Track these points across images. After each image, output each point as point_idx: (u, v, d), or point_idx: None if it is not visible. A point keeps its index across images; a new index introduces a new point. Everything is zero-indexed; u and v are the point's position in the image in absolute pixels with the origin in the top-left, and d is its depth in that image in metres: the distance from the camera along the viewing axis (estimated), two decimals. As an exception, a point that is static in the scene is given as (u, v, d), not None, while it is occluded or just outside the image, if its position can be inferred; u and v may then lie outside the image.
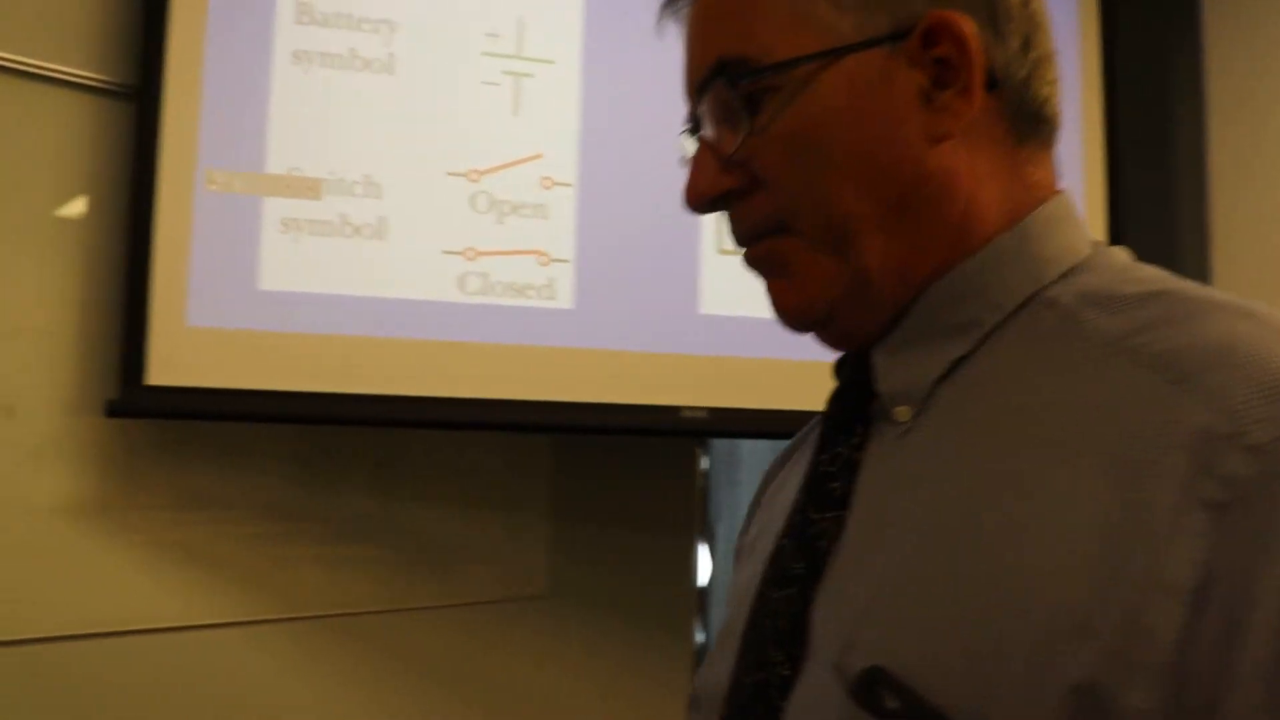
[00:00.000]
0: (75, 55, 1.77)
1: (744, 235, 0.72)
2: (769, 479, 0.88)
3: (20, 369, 1.72)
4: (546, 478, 2.16)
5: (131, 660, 1.78)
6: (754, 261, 0.73)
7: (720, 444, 2.42)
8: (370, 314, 1.79)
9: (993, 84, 0.68)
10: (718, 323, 1.93)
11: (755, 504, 0.89)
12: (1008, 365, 0.65)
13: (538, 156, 1.88)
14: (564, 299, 1.88)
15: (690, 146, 0.74)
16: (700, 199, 0.72)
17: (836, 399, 0.74)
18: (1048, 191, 0.71)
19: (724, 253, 1.94)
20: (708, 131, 0.72)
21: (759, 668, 0.66)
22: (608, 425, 1.90)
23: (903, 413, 0.68)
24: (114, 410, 1.71)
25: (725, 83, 0.69)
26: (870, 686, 0.58)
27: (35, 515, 1.73)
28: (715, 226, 1.93)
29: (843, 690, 0.60)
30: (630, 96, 1.91)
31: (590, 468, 2.19)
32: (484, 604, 2.09)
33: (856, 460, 0.69)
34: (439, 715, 1.95)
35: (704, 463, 2.29)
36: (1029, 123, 0.70)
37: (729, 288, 1.93)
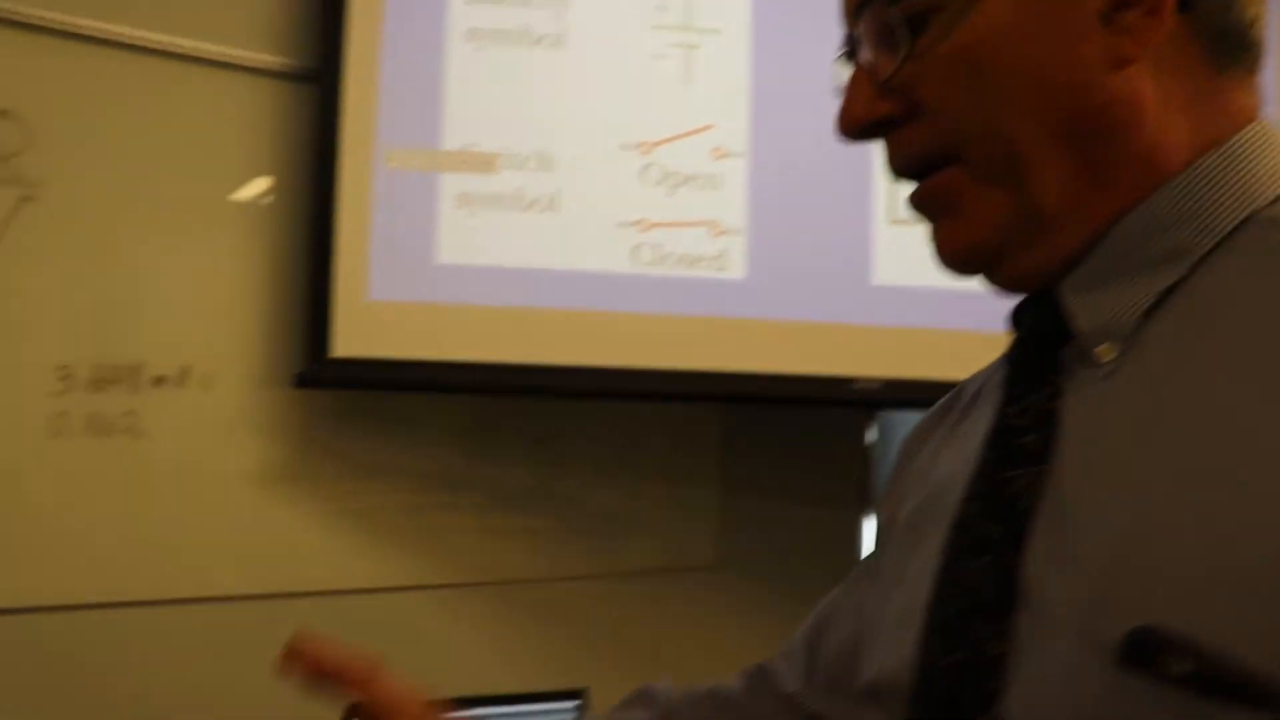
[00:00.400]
0: (258, 41, 1.84)
1: (902, 166, 0.68)
2: (911, 450, 0.83)
3: (216, 344, 1.80)
4: (715, 449, 2.16)
5: (308, 620, 1.84)
6: (920, 202, 0.69)
7: (883, 416, 2.38)
8: (544, 286, 1.82)
9: (1185, 4, 0.62)
10: (891, 293, 1.90)
11: (896, 478, 0.83)
12: (1234, 289, 0.60)
13: (708, 128, 1.87)
14: (736, 269, 1.87)
15: (845, 73, 0.70)
16: (854, 126, 0.68)
17: (1019, 349, 0.69)
18: (1251, 117, 0.65)
19: (896, 223, 1.91)
20: (865, 55, 0.68)
21: (958, 647, 0.61)
22: (780, 396, 1.89)
23: (1106, 351, 0.62)
24: (302, 381, 1.77)
25: (886, 0, 0.65)
26: (1145, 650, 0.52)
27: (229, 482, 1.82)
28: (888, 196, 1.90)
29: (1102, 658, 0.54)
30: (800, 64, 1.88)
31: (760, 439, 2.19)
32: (649, 574, 2.11)
33: (1051, 410, 0.63)
34: (600, 682, 1.97)
35: (870, 435, 2.26)
36: (1231, 47, 0.64)
37: (902, 258, 1.89)
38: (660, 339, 1.84)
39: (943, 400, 0.83)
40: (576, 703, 1.54)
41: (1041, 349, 0.67)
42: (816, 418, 2.18)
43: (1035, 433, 0.63)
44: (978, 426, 0.71)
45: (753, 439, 2.18)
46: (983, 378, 0.78)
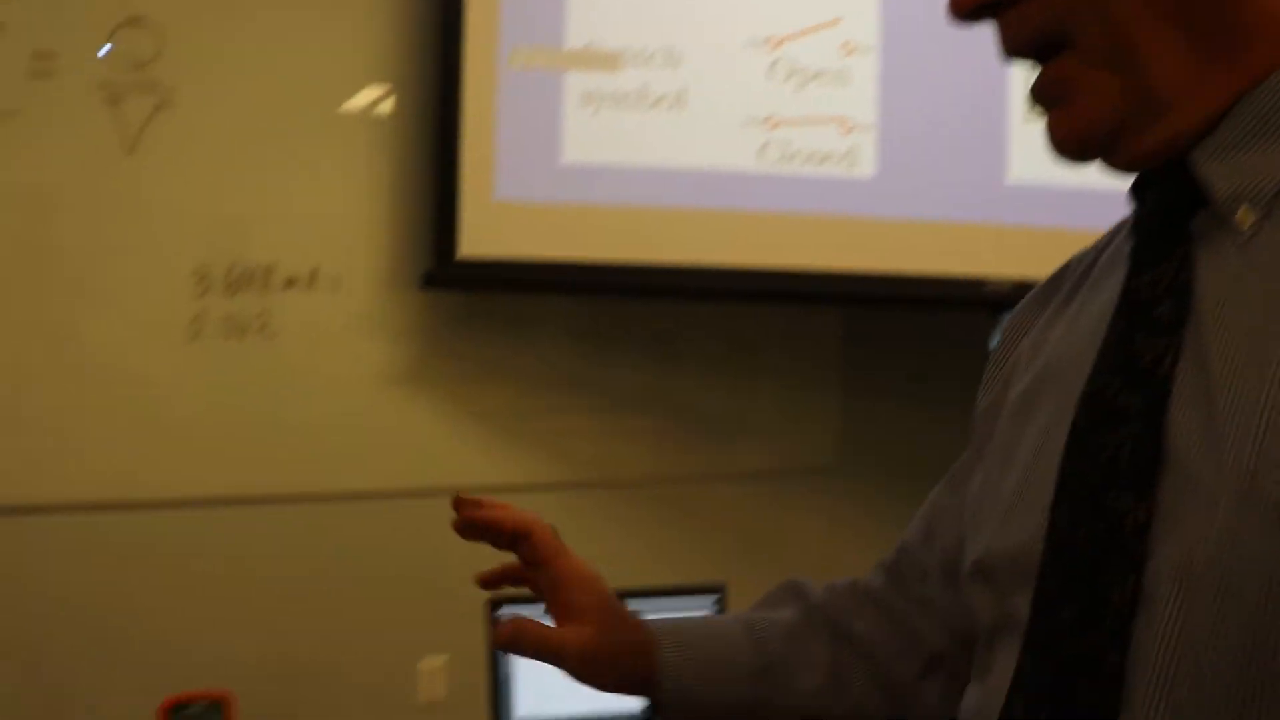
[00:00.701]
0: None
1: (1013, 48, 0.66)
2: (1014, 335, 0.81)
3: (344, 246, 1.84)
4: (837, 350, 2.15)
5: (429, 517, 1.89)
6: (1038, 94, 0.66)
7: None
8: (669, 184, 1.81)
9: None
10: (1026, 192, 1.85)
11: (998, 363, 0.82)
12: None
13: (837, 21, 1.83)
14: (865, 167, 1.83)
15: None
16: (964, 6, 0.65)
17: (1144, 220, 0.67)
18: None
19: (1033, 121, 1.84)
20: None
21: (1097, 516, 0.60)
22: (909, 297, 1.87)
23: (1245, 216, 0.60)
24: (429, 282, 1.80)
25: None
26: None
27: (355, 382, 1.86)
28: (1025, 90, 1.83)
29: (1266, 518, 0.53)
30: (932, -49, 1.82)
31: (882, 340, 2.17)
32: (770, 475, 2.11)
33: (1185, 280, 0.61)
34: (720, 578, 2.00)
35: (995, 338, 2.22)
36: None
37: (1039, 155, 1.83)
38: (787, 238, 1.82)
39: (1044, 283, 0.81)
40: (717, 596, 1.56)
41: (1169, 220, 0.65)
42: (942, 319, 2.15)
43: (1169, 302, 0.62)
44: (1093, 304, 0.70)
45: (875, 340, 2.16)
46: (1091, 255, 0.76)
